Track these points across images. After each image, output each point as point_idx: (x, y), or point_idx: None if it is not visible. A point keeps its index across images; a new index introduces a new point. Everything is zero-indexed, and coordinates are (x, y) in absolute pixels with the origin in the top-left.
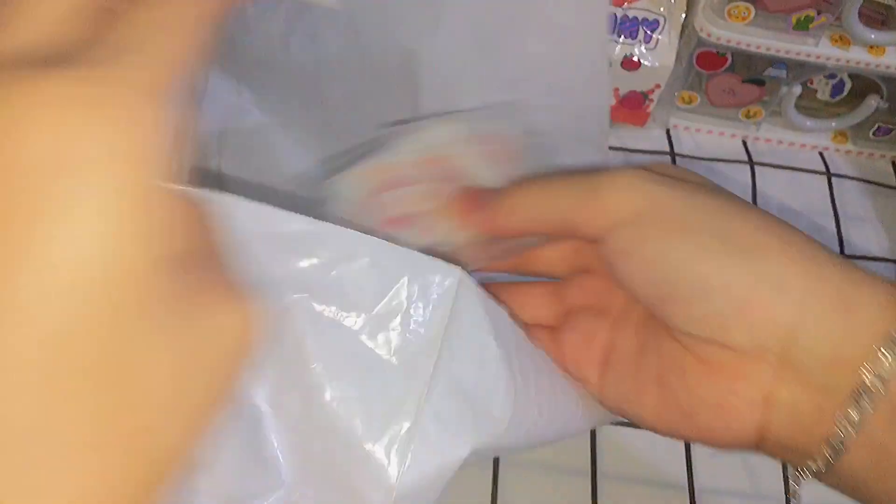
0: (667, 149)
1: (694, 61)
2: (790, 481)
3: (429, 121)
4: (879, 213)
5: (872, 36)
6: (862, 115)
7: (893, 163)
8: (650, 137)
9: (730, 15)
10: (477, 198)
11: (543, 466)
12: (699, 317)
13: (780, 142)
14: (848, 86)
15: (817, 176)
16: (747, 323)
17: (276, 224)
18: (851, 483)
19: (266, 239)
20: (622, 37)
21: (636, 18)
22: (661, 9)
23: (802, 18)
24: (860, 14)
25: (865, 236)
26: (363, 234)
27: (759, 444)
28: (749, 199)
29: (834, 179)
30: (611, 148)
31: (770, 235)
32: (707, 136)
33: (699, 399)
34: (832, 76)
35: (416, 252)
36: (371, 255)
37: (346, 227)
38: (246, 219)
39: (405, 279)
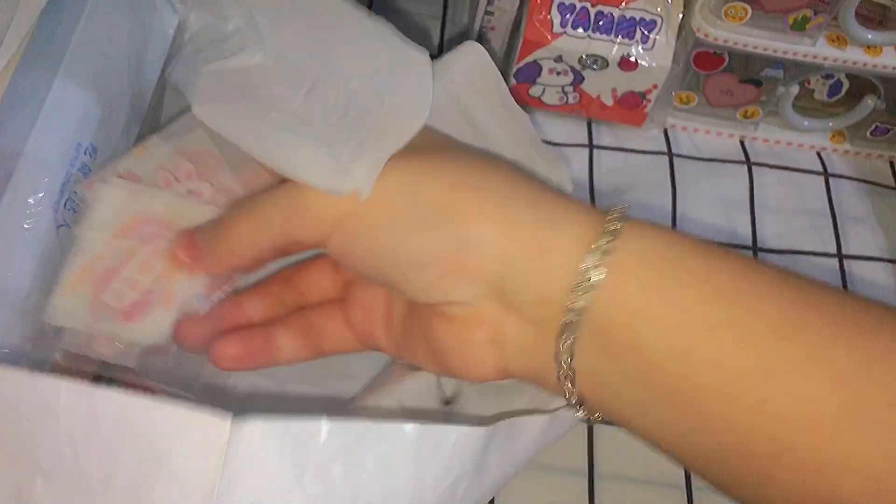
0: (664, 149)
1: (691, 61)
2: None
3: (96, 187)
4: (877, 213)
5: (869, 36)
6: (859, 115)
7: (891, 163)
8: (648, 137)
9: (727, 15)
10: (194, 242)
11: (541, 466)
12: (422, 288)
13: (778, 142)
14: (845, 86)
15: (815, 176)
16: (461, 283)
17: None
18: (597, 410)
19: None
20: (619, 37)
21: (633, 19)
22: (659, 9)
23: (799, 18)
24: (857, 14)
25: (863, 236)
26: None
27: (510, 376)
28: (746, 199)
29: (831, 179)
30: (608, 148)
31: (469, 196)
32: (705, 136)
33: (446, 347)
34: (829, 76)
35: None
36: None
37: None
38: None
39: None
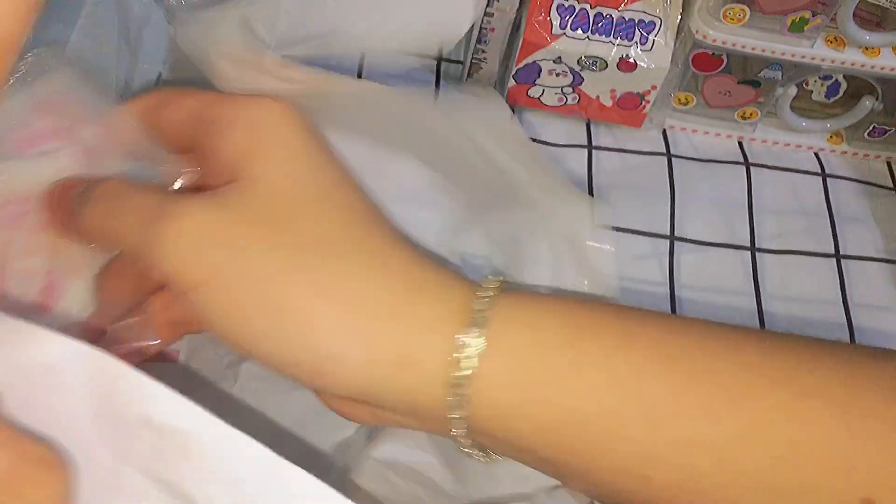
0: (663, 150)
1: (690, 63)
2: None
3: None
4: (875, 214)
5: (868, 37)
6: (857, 116)
7: (889, 163)
8: (646, 138)
9: (725, 17)
10: (61, 200)
11: None
12: (296, 377)
13: (776, 143)
14: (843, 87)
15: (812, 176)
16: (326, 385)
17: None
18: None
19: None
20: (618, 38)
21: (632, 20)
22: (657, 10)
23: (797, 20)
24: (855, 16)
25: (860, 237)
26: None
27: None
28: (745, 199)
29: (829, 180)
30: (607, 149)
31: (327, 306)
32: (703, 136)
33: (334, 406)
34: (827, 77)
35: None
36: None
37: None
38: None
39: None
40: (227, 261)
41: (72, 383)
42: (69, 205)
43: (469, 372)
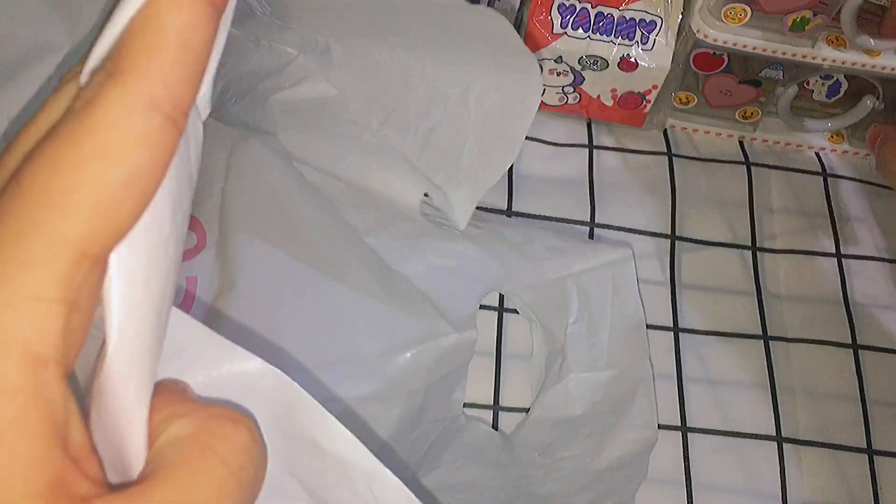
0: (664, 149)
1: (691, 62)
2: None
3: None
4: (875, 213)
5: (872, 42)
6: (858, 115)
7: None
8: (647, 138)
9: (726, 16)
10: None
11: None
12: None
13: (777, 142)
14: (844, 86)
15: (813, 176)
16: None
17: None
18: None
19: None
20: (619, 38)
21: (633, 20)
22: (658, 10)
23: (798, 20)
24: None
25: (861, 236)
26: None
27: None
28: (746, 199)
29: (830, 179)
30: (608, 149)
31: None
32: (704, 136)
33: None
34: (828, 77)
35: None
36: None
37: None
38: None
39: None
40: None
41: (259, 399)
42: None
43: None
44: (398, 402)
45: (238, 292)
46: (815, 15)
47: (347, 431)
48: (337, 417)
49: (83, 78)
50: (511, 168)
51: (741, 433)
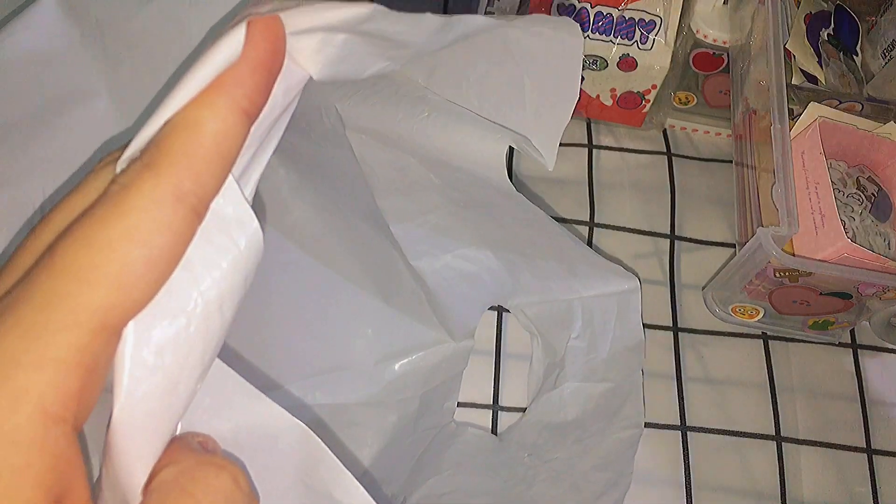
0: (663, 149)
1: (690, 62)
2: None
3: None
4: None
5: None
6: None
7: None
8: (647, 138)
9: (735, 311)
10: None
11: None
12: None
13: None
14: None
15: None
16: None
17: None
18: None
19: None
20: (619, 37)
21: (633, 19)
22: (658, 10)
23: (821, 322)
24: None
25: None
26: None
27: None
28: None
29: None
30: (608, 148)
31: None
32: (703, 136)
33: None
34: None
35: None
36: None
37: None
38: None
39: None
40: None
41: (282, 449)
42: None
43: None
44: (394, 409)
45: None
46: (837, 320)
47: (362, 488)
48: (337, 420)
49: (121, 164)
50: (510, 168)
51: (741, 433)
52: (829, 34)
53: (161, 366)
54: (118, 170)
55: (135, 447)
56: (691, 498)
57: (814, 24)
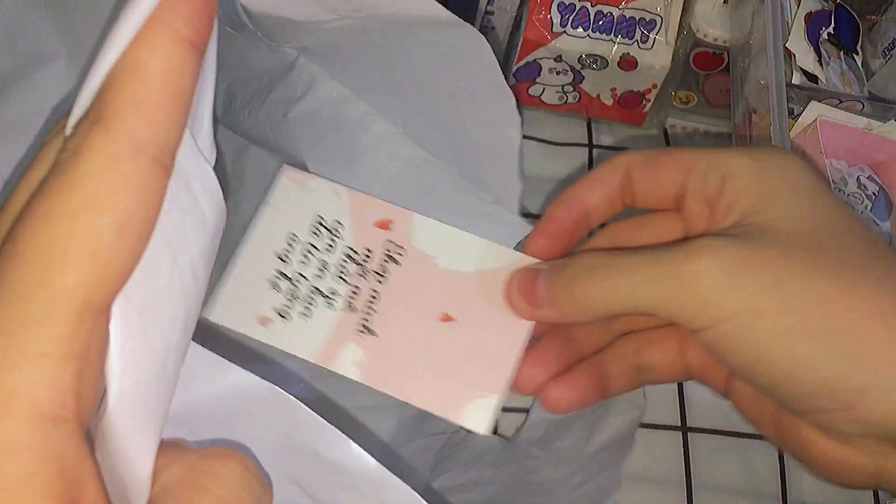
0: None
1: (691, 61)
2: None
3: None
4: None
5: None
6: None
7: None
8: (647, 137)
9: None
10: (534, 288)
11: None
12: (805, 409)
13: None
14: None
15: None
16: (854, 419)
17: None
18: None
19: None
20: (619, 36)
21: (633, 19)
22: (658, 9)
23: None
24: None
25: None
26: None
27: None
28: None
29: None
30: (608, 148)
31: (885, 332)
32: (704, 135)
33: (812, 454)
34: None
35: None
36: None
37: None
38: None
39: None
40: (766, 287)
41: (256, 415)
42: (542, 287)
43: None
44: (393, 413)
45: None
46: None
47: (349, 440)
48: (336, 424)
49: (68, 129)
50: None
51: (741, 433)
52: (829, 33)
53: (150, 345)
54: (67, 135)
55: (136, 435)
56: (692, 498)
57: (814, 23)
